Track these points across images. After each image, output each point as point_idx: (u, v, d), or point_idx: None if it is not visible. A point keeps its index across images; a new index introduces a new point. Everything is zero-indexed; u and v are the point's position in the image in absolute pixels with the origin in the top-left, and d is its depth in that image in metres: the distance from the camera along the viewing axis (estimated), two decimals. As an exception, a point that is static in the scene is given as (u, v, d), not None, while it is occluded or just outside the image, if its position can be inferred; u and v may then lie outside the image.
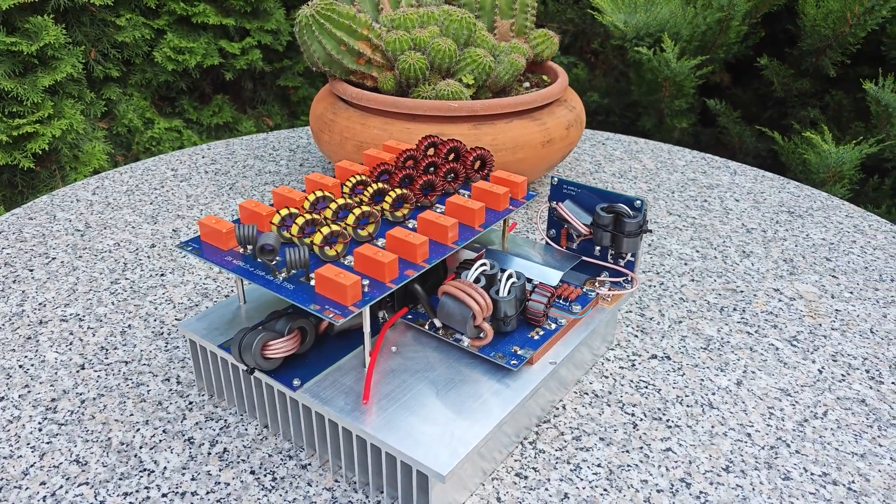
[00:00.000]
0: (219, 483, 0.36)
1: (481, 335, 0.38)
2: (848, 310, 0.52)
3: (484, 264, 0.40)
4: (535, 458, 0.38)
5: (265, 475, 0.37)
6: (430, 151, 0.48)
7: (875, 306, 0.52)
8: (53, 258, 0.56)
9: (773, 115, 1.41)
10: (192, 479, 0.36)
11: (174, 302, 0.51)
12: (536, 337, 0.39)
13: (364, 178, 0.43)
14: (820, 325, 0.50)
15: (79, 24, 1.30)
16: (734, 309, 0.52)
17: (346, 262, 0.37)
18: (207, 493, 0.36)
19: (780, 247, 0.61)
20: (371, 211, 0.39)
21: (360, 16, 0.61)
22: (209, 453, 0.38)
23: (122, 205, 0.65)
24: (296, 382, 0.36)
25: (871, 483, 0.37)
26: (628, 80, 1.46)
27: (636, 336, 0.48)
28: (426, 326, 0.40)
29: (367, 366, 0.37)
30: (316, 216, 0.38)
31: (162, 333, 0.47)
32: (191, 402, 0.41)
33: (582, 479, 0.37)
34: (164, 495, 0.35)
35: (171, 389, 0.42)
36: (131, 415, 0.40)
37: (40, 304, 0.50)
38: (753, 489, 0.36)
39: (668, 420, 0.41)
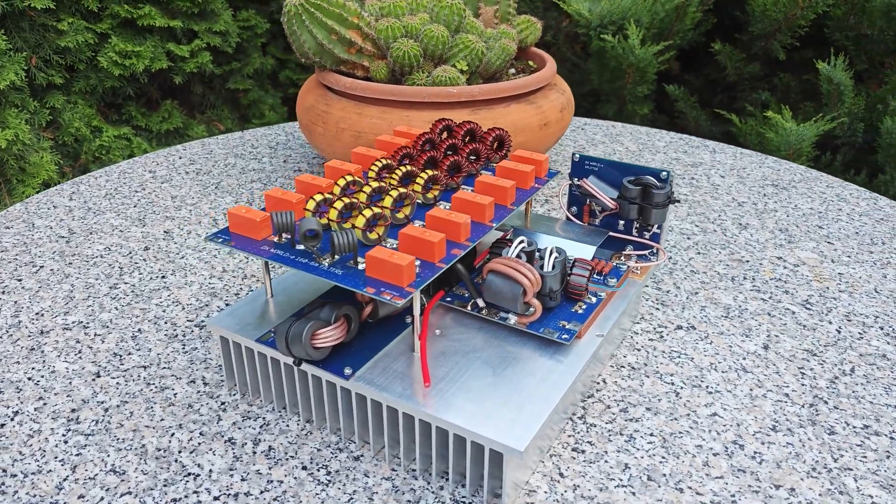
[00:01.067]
0: (271, 482, 0.35)
1: (529, 311, 0.37)
2: (850, 273, 0.54)
3: (522, 241, 0.39)
4: (587, 432, 0.38)
5: (318, 470, 0.35)
6: (444, 135, 0.47)
7: (874, 268, 0.54)
8: (41, 266, 0.53)
9: (723, 100, 1.45)
10: (242, 480, 0.35)
11: (182, 303, 0.49)
12: (580, 311, 0.39)
13: (388, 161, 0.42)
14: (827, 288, 0.52)
15: (18, 30, 1.23)
16: (744, 278, 0.53)
17: (387, 246, 0.36)
18: (262, 492, 0.34)
19: (773, 217, 0.62)
20: (407, 193, 0.38)
21: (349, 4, 0.60)
22: (254, 452, 0.36)
23: (104, 209, 0.62)
24: (347, 371, 0.35)
25: (910, 431, 0.38)
26: (582, 70, 1.48)
27: (658, 309, 0.49)
28: (468, 307, 0.39)
29: (419, 349, 0.36)
30: (354, 200, 0.37)
31: (176, 336, 0.45)
32: (223, 403, 0.39)
33: (638, 449, 0.37)
34: (215, 498, 0.34)
35: (198, 391, 0.40)
36: (162, 420, 0.38)
37: (37, 313, 0.47)
38: (804, 446, 0.37)
39: (707, 386, 0.41)
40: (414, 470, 0.35)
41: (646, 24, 1.10)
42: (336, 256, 0.35)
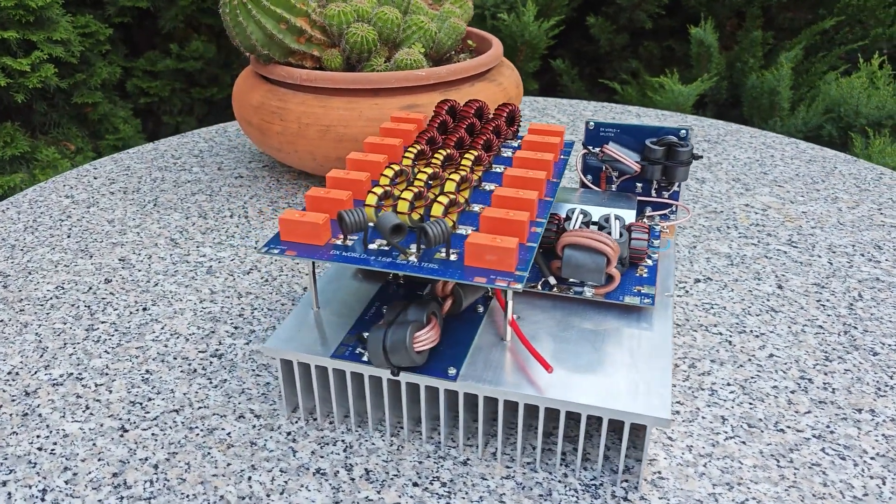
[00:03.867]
0: (386, 506, 0.31)
1: (608, 281, 0.37)
2: (811, 210, 0.58)
3: (582, 212, 0.39)
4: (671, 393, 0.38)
5: (431, 483, 0.32)
6: (477, 116, 0.45)
7: (826, 204, 0.59)
8: (-14, 319, 0.44)
9: (591, 71, 1.52)
10: (355, 511, 0.31)
11: (182, 334, 0.43)
12: (645, 274, 0.39)
13: (421, 147, 0.39)
14: (800, 226, 0.56)
15: None
16: (728, 227, 0.56)
17: (461, 232, 0.34)
18: (384, 519, 0.31)
19: (722, 169, 0.66)
20: (468, 175, 0.36)
21: (293, -11, 0.55)
22: (352, 479, 0.33)
23: (32, 244, 0.53)
24: (451, 371, 0.32)
25: (933, 341, 0.42)
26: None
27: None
28: (539, 286, 0.38)
29: (517, 338, 0.34)
30: (420, 189, 0.34)
31: (195, 371, 0.40)
32: (289, 433, 0.35)
33: (725, 400, 0.37)
34: (336, 537, 0.30)
35: (254, 426, 0.36)
36: (228, 465, 0.33)
37: (9, 373, 0.40)
38: (859, 370, 0.40)
39: (751, 331, 0.43)
40: (530, 462, 0.33)
41: (530, 2, 1.13)
42: (420, 250, 0.32)
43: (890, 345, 0.42)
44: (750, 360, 0.40)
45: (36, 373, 0.40)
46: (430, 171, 0.36)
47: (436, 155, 0.38)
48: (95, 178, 0.65)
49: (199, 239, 0.54)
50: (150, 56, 1.68)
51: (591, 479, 0.33)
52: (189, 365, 0.40)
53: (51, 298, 0.46)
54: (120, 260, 0.51)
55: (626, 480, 0.32)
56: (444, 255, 0.32)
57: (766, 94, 1.14)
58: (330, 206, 0.35)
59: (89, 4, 1.56)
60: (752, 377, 0.39)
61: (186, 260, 0.51)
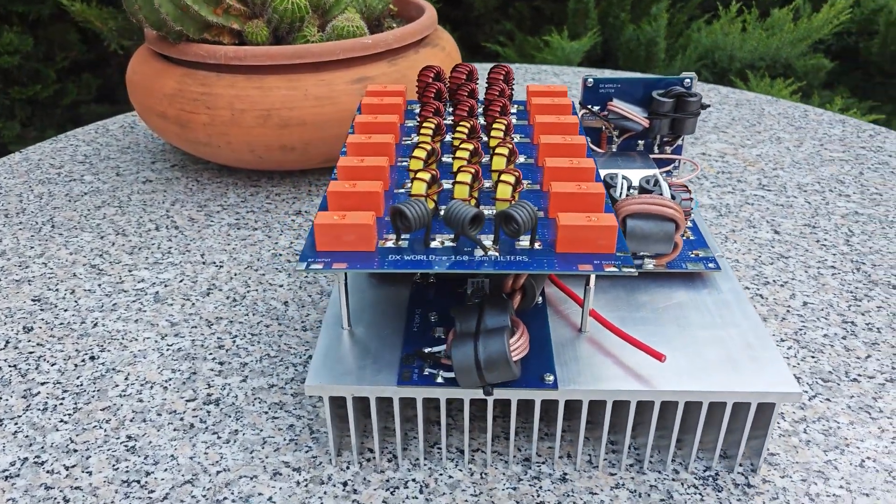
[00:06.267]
0: (500, 550, 0.26)
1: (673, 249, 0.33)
2: (762, 152, 0.59)
3: (625, 177, 0.35)
4: (734, 358, 0.36)
5: (538, 511, 0.28)
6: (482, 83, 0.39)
7: (773, 145, 0.60)
8: None
9: (463, 36, 1.49)
10: (468, 565, 0.26)
11: (157, 382, 0.34)
12: (692, 236, 0.36)
13: (435, 121, 0.33)
14: (762, 169, 0.56)
15: None
16: (698, 178, 0.54)
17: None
18: (506, 567, 0.26)
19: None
20: (513, 149, 0.31)
21: (202, -50, 0.46)
22: (446, 525, 0.27)
23: None
24: (548, 378, 0.27)
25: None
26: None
27: (664, 225, 0.48)
28: (594, 266, 0.33)
29: (608, 327, 0.29)
30: (474, 168, 0.28)
31: (193, 426, 0.32)
32: (345, 484, 0.29)
33: (788, 357, 0.36)
34: None
35: (297, 482, 0.29)
36: (286, 539, 0.27)
37: (-66, 474, 0.30)
38: (889, 305, 0.39)
39: (774, 281, 0.42)
40: (636, 466, 0.30)
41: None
42: (498, 240, 0.27)
43: (902, 276, 0.42)
44: (788, 311, 0.39)
45: (-26, 467, 0.30)
46: (470, 146, 0.30)
47: (458, 128, 0.33)
48: (-41, 203, 0.52)
49: (127, 261, 0.44)
50: (-46, 54, 1.44)
51: (705, 471, 0.29)
52: (181, 420, 0.32)
53: (-43, 363, 0.36)
54: (34, 300, 0.41)
55: (741, 465, 0.30)
56: (526, 243, 0.27)
57: (644, 46, 1.17)
58: (359, 202, 0.29)
59: None
60: (800, 329, 0.38)
61: (122, 289, 0.42)
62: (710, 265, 0.34)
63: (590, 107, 0.42)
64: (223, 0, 0.47)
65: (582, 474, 0.29)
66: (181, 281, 0.42)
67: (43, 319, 0.39)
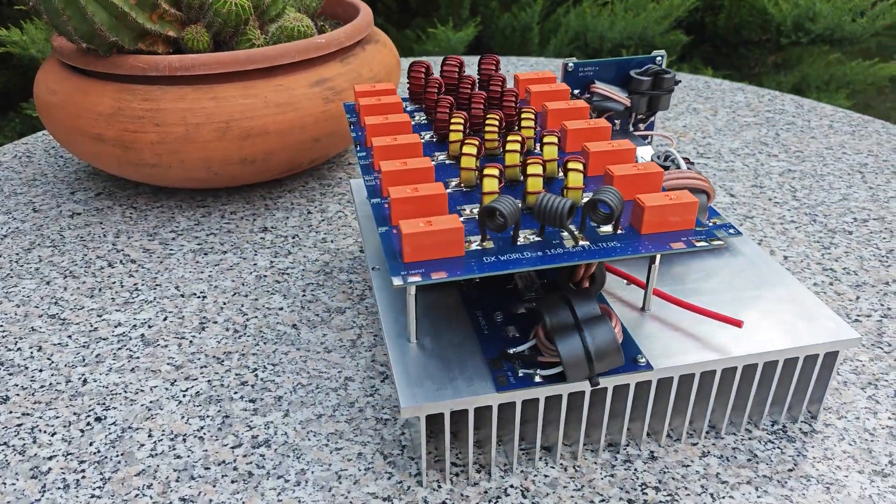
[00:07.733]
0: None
1: (697, 221, 0.34)
2: (688, 123, 0.62)
3: (641, 155, 0.35)
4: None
5: (644, 492, 0.28)
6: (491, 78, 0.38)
7: (693, 115, 0.64)
8: None
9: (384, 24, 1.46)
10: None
11: (188, 434, 0.31)
12: (701, 207, 0.37)
13: (461, 117, 0.32)
14: (693, 138, 0.59)
15: None
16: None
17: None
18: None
19: (587, 102, 0.68)
20: (559, 135, 0.31)
21: (128, -49, 0.41)
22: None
23: None
24: (641, 360, 0.28)
25: None
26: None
27: (633, 200, 0.50)
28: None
29: (673, 303, 0.30)
30: (541, 160, 0.28)
31: (252, 474, 0.29)
32: None
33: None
34: None
35: (394, 512, 0.27)
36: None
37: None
38: (852, 248, 0.44)
39: (763, 242, 0.45)
40: (709, 431, 0.31)
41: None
42: (584, 229, 0.27)
43: (849, 221, 0.46)
44: (820, 266, 0.42)
45: (8, 569, 0.25)
46: (518, 138, 0.30)
47: (489, 121, 0.32)
48: None
49: (91, 305, 0.39)
50: None
51: (773, 426, 0.31)
52: (235, 470, 0.29)
53: (-70, 453, 0.30)
54: (16, 343, 0.35)
55: (789, 415, 0.31)
56: (609, 229, 0.27)
57: (519, 32, 1.20)
58: (425, 207, 0.27)
59: None
60: (835, 295, 0.40)
61: (99, 336, 0.37)
62: (731, 231, 0.35)
63: (575, 91, 0.42)
64: (158, 6, 0.43)
65: (668, 450, 0.30)
66: (165, 319, 0.38)
67: (16, 385, 0.34)
